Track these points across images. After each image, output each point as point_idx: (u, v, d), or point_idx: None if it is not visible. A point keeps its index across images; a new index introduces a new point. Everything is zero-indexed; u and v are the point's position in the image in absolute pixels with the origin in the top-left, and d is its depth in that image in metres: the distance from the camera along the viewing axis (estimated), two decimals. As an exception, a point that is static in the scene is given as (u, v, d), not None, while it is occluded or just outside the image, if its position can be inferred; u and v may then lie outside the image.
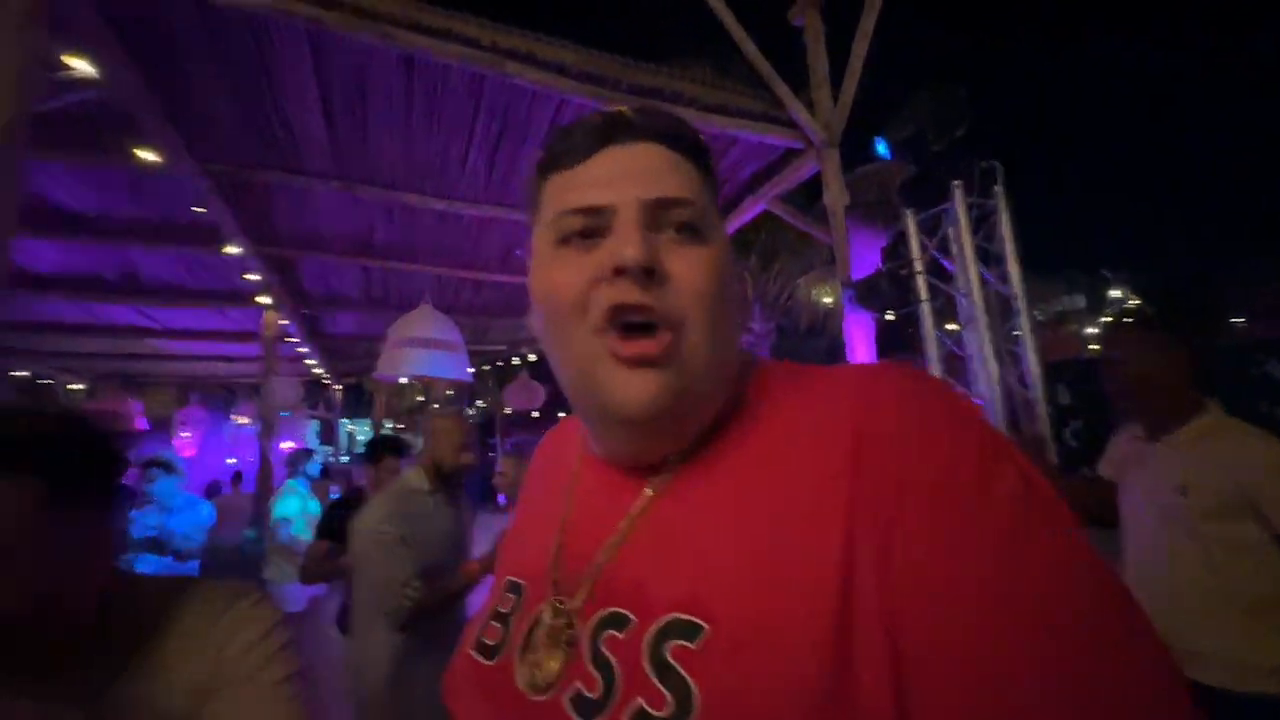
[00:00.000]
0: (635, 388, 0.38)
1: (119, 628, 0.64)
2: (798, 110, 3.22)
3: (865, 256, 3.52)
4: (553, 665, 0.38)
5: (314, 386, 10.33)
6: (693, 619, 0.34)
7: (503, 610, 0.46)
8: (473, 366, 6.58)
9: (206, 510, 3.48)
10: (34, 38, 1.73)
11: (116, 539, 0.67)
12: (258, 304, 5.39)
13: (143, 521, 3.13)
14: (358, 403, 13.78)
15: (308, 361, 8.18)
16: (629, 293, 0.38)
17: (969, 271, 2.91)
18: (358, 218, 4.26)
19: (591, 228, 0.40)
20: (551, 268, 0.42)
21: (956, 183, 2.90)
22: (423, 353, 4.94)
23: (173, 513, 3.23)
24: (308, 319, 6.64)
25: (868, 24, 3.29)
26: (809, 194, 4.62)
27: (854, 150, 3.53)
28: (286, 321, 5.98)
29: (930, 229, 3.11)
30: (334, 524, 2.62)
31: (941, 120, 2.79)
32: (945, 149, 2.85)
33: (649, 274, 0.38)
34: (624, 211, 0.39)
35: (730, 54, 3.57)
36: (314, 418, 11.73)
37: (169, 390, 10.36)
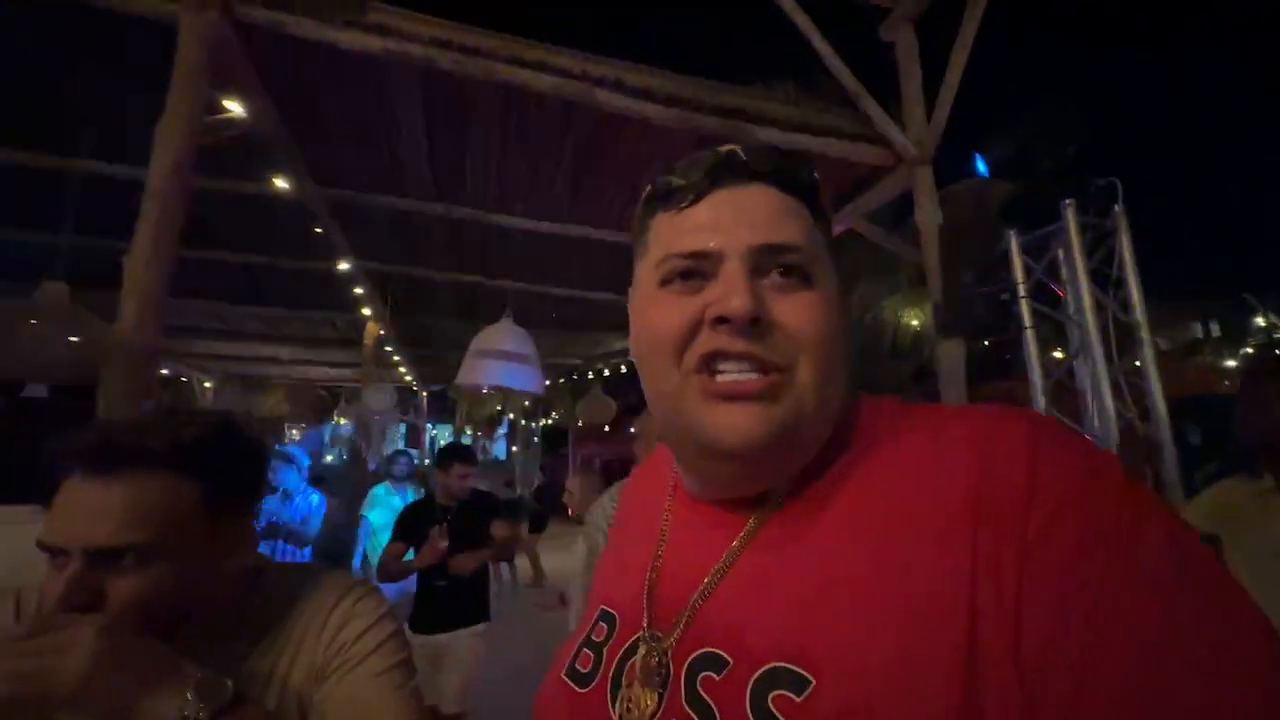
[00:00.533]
0: (731, 421, 0.38)
1: (253, 610, 0.71)
2: (888, 127, 3.12)
3: (955, 278, 3.32)
4: (647, 701, 0.38)
5: (403, 393, 11.01)
6: (797, 670, 0.33)
7: (596, 640, 0.46)
8: (548, 380, 6.79)
9: (318, 500, 3.76)
10: (201, 87, 2.01)
11: (255, 530, 0.75)
12: (361, 315, 5.86)
13: (264, 509, 3.45)
14: (442, 409, 14.55)
15: (400, 369, 8.77)
16: (732, 342, 0.38)
17: (1082, 296, 2.67)
18: (452, 236, 4.55)
19: (696, 270, 0.40)
20: (654, 306, 0.42)
21: (1068, 201, 2.68)
22: (500, 364, 5.16)
23: (291, 501, 3.54)
24: (402, 329, 7.13)
25: (967, 36, 3.14)
26: (897, 212, 4.44)
27: (941, 167, 3.37)
28: (383, 331, 6.46)
29: (1035, 250, 2.89)
30: (407, 525, 2.77)
31: (1053, 136, 2.60)
32: (1055, 166, 2.66)
33: (754, 323, 0.38)
34: (731, 258, 0.39)
35: (815, 72, 3.53)
36: (403, 421, 12.51)
37: (283, 391, 11.42)
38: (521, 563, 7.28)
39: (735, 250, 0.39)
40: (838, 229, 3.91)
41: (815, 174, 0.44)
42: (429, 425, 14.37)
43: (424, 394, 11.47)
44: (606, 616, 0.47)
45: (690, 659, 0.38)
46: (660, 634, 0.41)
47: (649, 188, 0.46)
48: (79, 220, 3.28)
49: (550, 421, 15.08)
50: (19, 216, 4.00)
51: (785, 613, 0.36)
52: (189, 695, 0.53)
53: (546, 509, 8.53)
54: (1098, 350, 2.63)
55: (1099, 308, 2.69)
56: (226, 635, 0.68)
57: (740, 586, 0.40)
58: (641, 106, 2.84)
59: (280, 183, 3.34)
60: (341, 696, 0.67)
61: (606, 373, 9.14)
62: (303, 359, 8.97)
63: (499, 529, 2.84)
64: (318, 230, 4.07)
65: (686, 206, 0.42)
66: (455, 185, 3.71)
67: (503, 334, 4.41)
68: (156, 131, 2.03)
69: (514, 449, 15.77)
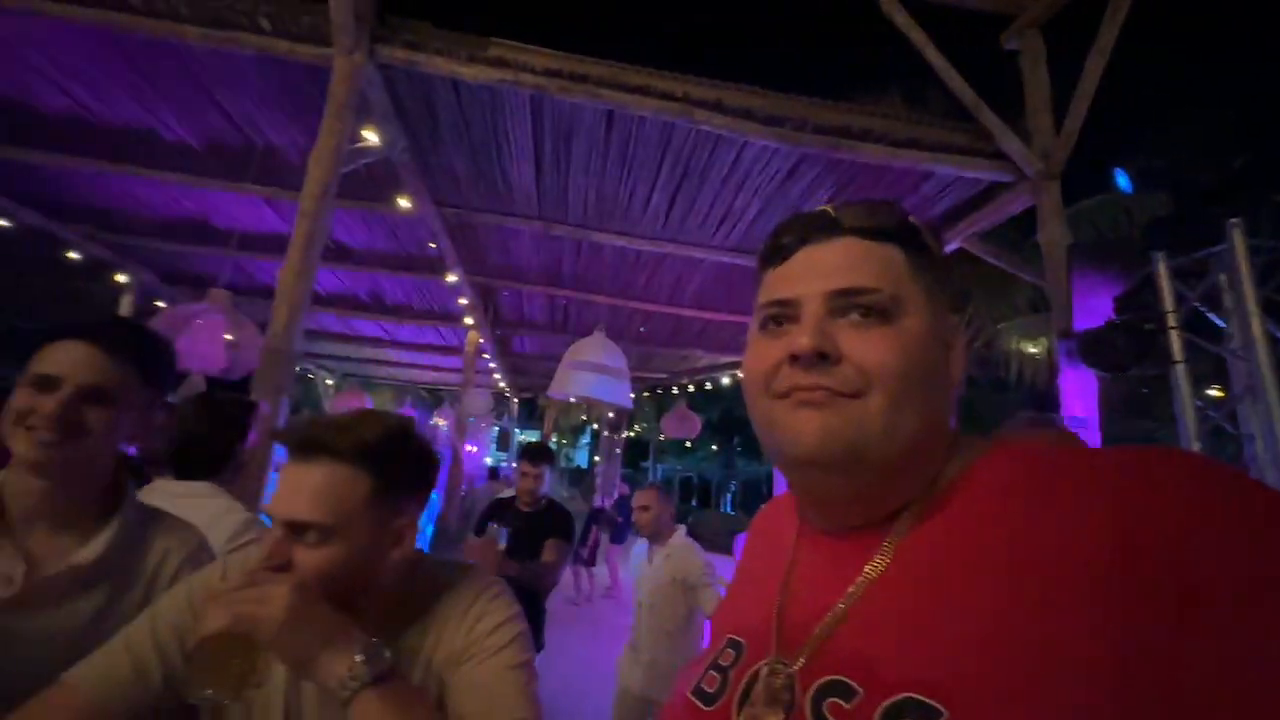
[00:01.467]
0: (798, 425, 0.43)
1: (409, 596, 0.79)
2: (1009, 140, 2.90)
3: (1088, 304, 3.00)
4: None
5: (497, 398, 11.60)
6: (929, 701, 0.34)
7: (723, 663, 0.48)
8: (634, 393, 6.90)
9: (433, 495, 4.05)
10: (347, 120, 2.27)
11: (418, 525, 0.82)
12: (464, 324, 6.27)
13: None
14: (530, 415, 15.18)
15: (495, 376, 9.26)
16: (804, 376, 0.43)
17: (1250, 328, 2.32)
18: (550, 252, 4.77)
19: (781, 316, 0.47)
20: (753, 348, 0.49)
21: (1234, 221, 2.35)
22: (591, 376, 5.31)
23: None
24: (500, 339, 7.54)
25: (1106, 40, 2.86)
26: (1016, 231, 4.10)
27: (1070, 183, 3.07)
28: (483, 340, 6.87)
29: (1188, 275, 2.55)
30: (482, 520, 2.84)
31: (1213, 147, 2.29)
32: (1217, 181, 2.33)
33: (822, 357, 0.43)
34: (807, 304, 0.45)
35: (926, 85, 3.37)
36: (495, 425, 13.17)
37: (391, 391, 12.43)
38: (601, 571, 7.38)
39: (811, 296, 0.45)
40: (949, 248, 3.68)
41: (908, 218, 0.48)
42: (518, 430, 15.00)
43: (515, 400, 12.02)
44: (734, 644, 0.49)
45: (816, 685, 0.39)
46: (786, 660, 0.43)
47: (761, 249, 0.53)
48: (242, 238, 3.77)
49: (633, 434, 15.26)
50: (196, 234, 4.69)
51: (915, 644, 0.37)
52: (357, 657, 0.61)
53: (627, 521, 8.62)
54: (1273, 391, 2.26)
55: (1271, 341, 2.32)
56: (388, 616, 0.76)
57: (868, 617, 0.41)
58: (740, 126, 2.84)
59: (404, 203, 3.67)
60: (475, 682, 0.73)
61: (691, 388, 9.13)
62: (413, 362, 9.73)
63: (549, 550, 2.60)
64: (432, 245, 4.42)
65: (781, 263, 0.49)
66: (557, 204, 3.90)
67: (595, 347, 4.54)
68: (309, 159, 2.32)
69: (597, 459, 16.09)
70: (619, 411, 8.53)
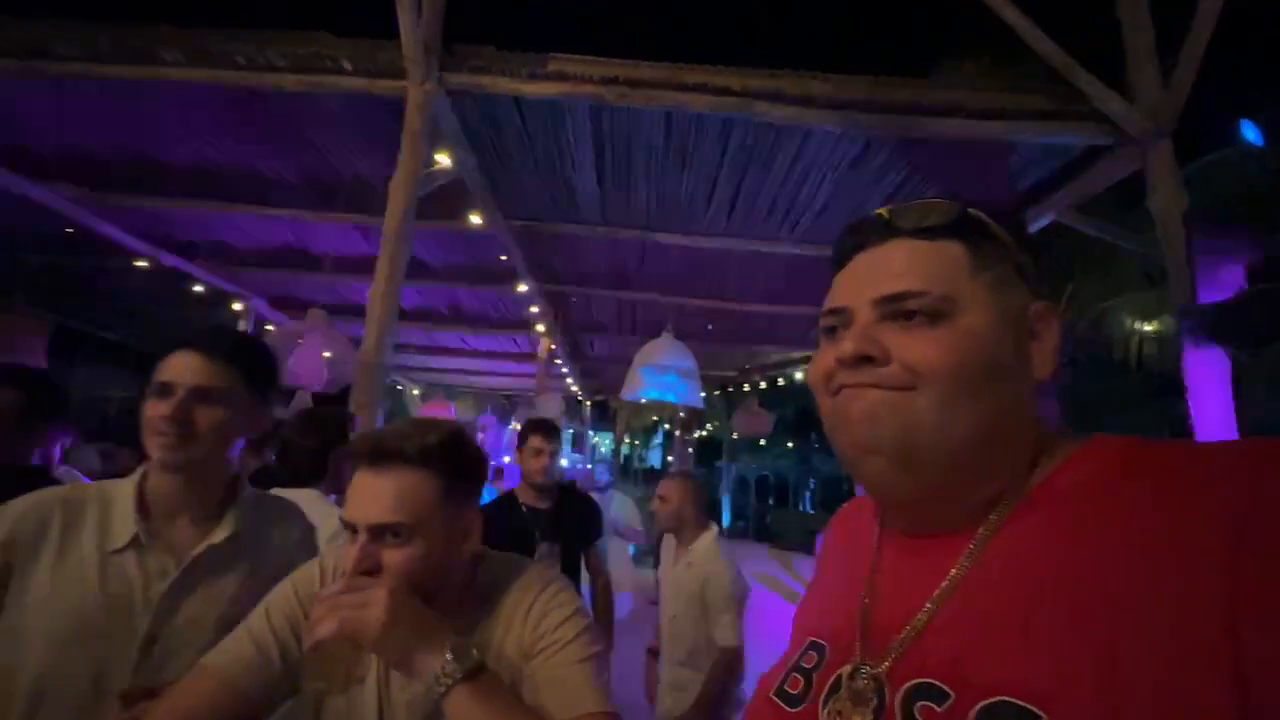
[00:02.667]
0: (850, 409, 0.44)
1: (476, 590, 0.84)
2: (1108, 100, 2.64)
3: (1215, 274, 2.67)
4: None
5: (570, 402, 11.90)
6: (1026, 705, 0.33)
7: (805, 666, 0.49)
8: (704, 391, 6.86)
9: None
10: (422, 147, 2.43)
11: (480, 520, 0.88)
12: (536, 331, 6.49)
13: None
14: (602, 417, 15.44)
15: (568, 381, 9.51)
16: (851, 376, 0.45)
17: None
18: (616, 256, 4.85)
19: (836, 324, 0.49)
20: (817, 354, 0.50)
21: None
22: (661, 378, 5.35)
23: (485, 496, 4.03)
24: (571, 343, 7.74)
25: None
26: (1121, 198, 3.72)
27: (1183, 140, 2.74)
28: (555, 346, 7.07)
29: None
30: (496, 530, 2.75)
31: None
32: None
33: (869, 360, 0.44)
34: (857, 312, 0.46)
35: (1011, 50, 3.13)
36: (569, 429, 13.51)
37: (472, 398, 13.07)
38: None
39: (859, 304, 0.46)
40: (1037, 224, 3.39)
41: (968, 211, 0.47)
42: (590, 432, 15.30)
43: (587, 404, 12.28)
44: (816, 646, 0.50)
45: (905, 688, 0.39)
46: (872, 663, 0.43)
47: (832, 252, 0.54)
48: (335, 262, 4.10)
49: (705, 433, 15.18)
50: (297, 262, 5.15)
51: (1008, 647, 0.36)
52: (448, 655, 0.66)
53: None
54: None
55: None
56: (458, 611, 0.81)
57: (957, 619, 0.40)
58: (802, 114, 2.77)
59: (475, 219, 3.85)
60: (547, 676, 0.77)
61: (763, 385, 8.95)
62: (489, 370, 10.18)
63: (594, 562, 2.23)
64: (503, 258, 4.61)
65: (838, 271, 0.51)
66: (621, 209, 3.95)
67: (664, 348, 4.57)
68: (390, 186, 2.49)
69: (669, 459, 16.11)
70: (690, 411, 8.53)
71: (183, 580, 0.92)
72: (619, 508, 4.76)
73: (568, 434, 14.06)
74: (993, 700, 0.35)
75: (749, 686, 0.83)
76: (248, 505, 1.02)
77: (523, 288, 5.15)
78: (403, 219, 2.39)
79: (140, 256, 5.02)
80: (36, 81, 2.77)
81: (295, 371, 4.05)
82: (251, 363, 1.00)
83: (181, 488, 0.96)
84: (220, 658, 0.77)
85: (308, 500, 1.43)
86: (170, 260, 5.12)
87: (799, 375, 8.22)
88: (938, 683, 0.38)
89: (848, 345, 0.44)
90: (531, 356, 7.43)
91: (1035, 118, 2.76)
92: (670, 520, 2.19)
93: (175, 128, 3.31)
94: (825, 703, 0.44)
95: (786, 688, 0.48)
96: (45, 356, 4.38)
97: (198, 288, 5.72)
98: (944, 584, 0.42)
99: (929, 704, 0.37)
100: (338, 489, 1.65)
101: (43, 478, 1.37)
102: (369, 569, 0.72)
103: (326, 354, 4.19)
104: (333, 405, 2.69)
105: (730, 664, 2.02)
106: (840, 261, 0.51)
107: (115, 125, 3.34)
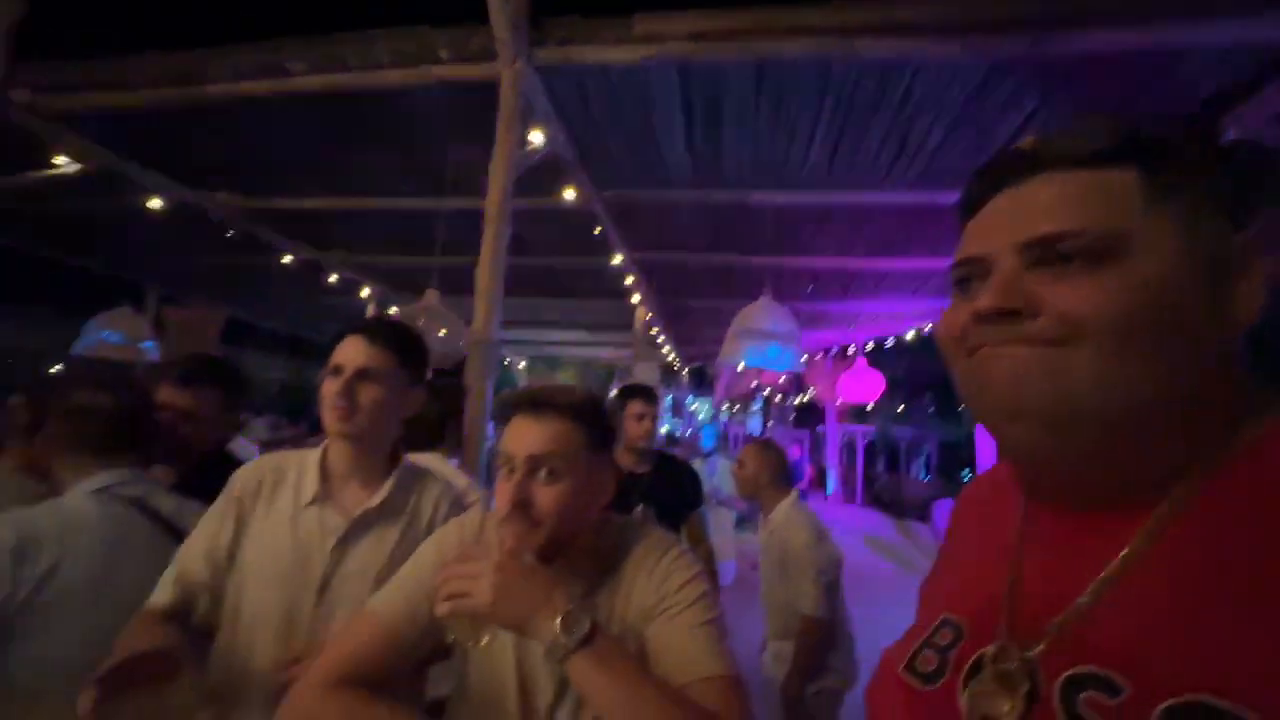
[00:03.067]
0: (991, 371, 0.40)
1: (599, 552, 0.88)
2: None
3: None
4: (1007, 707, 0.37)
5: (667, 370, 12.00)
6: (1230, 708, 0.29)
7: (940, 643, 0.46)
8: (804, 355, 6.62)
9: None
10: (517, 126, 2.49)
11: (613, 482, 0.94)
12: (632, 300, 6.57)
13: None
14: (700, 384, 15.44)
15: (664, 348, 9.58)
16: (992, 332, 0.40)
17: None
18: (709, 220, 4.74)
19: (970, 276, 0.43)
20: (947, 310, 0.46)
21: None
22: (760, 344, 5.21)
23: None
24: (666, 311, 7.75)
25: None
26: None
27: None
28: (650, 314, 7.12)
29: None
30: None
31: None
32: None
33: (1013, 314, 0.39)
34: (997, 260, 0.41)
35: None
36: (667, 396, 13.68)
37: (573, 369, 13.61)
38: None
39: (1000, 250, 0.41)
40: (1229, 138, 2.84)
41: (1140, 129, 0.39)
42: (689, 399, 15.38)
43: (685, 371, 12.33)
44: (950, 624, 0.47)
45: (1065, 676, 0.36)
46: (1021, 646, 0.40)
47: (960, 198, 0.48)
48: (445, 245, 4.39)
49: (806, 398, 14.69)
50: (411, 245, 5.58)
51: (1204, 639, 0.32)
52: (558, 623, 0.69)
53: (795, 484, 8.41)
54: None
55: None
56: (583, 572, 0.86)
57: (1131, 604, 0.36)
58: (909, 46, 2.49)
59: (569, 194, 3.93)
60: (670, 638, 0.79)
61: (870, 345, 8.46)
62: (589, 341, 10.51)
63: (694, 530, 2.17)
64: (597, 230, 4.67)
65: (971, 216, 0.46)
66: (712, 171, 3.84)
67: (762, 312, 4.45)
68: (490, 168, 2.60)
69: (769, 424, 15.85)
70: (790, 375, 8.30)
71: (348, 536, 1.06)
72: (721, 475, 4.78)
73: (666, 401, 14.26)
74: (1183, 699, 0.31)
75: (868, 658, 0.81)
76: (405, 475, 1.16)
77: (617, 258, 5.21)
78: (502, 200, 2.48)
79: (284, 252, 5.70)
80: (193, 106, 3.17)
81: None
82: (405, 347, 1.14)
83: (352, 456, 1.11)
84: (380, 604, 0.87)
85: (434, 463, 1.58)
86: (305, 255, 5.76)
87: (911, 334, 7.67)
88: (1108, 673, 0.34)
89: (986, 299, 0.40)
90: (628, 326, 7.55)
91: (1214, 12, 2.28)
92: (749, 486, 2.20)
93: (299, 131, 3.66)
94: (965, 684, 0.41)
95: (918, 665, 0.46)
96: (219, 345, 5.14)
97: (332, 278, 6.39)
98: (1113, 564, 0.38)
99: (1098, 695, 0.34)
100: (457, 453, 1.82)
101: (232, 459, 1.63)
102: (522, 501, 0.79)
103: (442, 332, 4.52)
104: (449, 377, 2.93)
105: (814, 635, 1.98)
106: (971, 206, 0.46)
107: (253, 135, 3.76)
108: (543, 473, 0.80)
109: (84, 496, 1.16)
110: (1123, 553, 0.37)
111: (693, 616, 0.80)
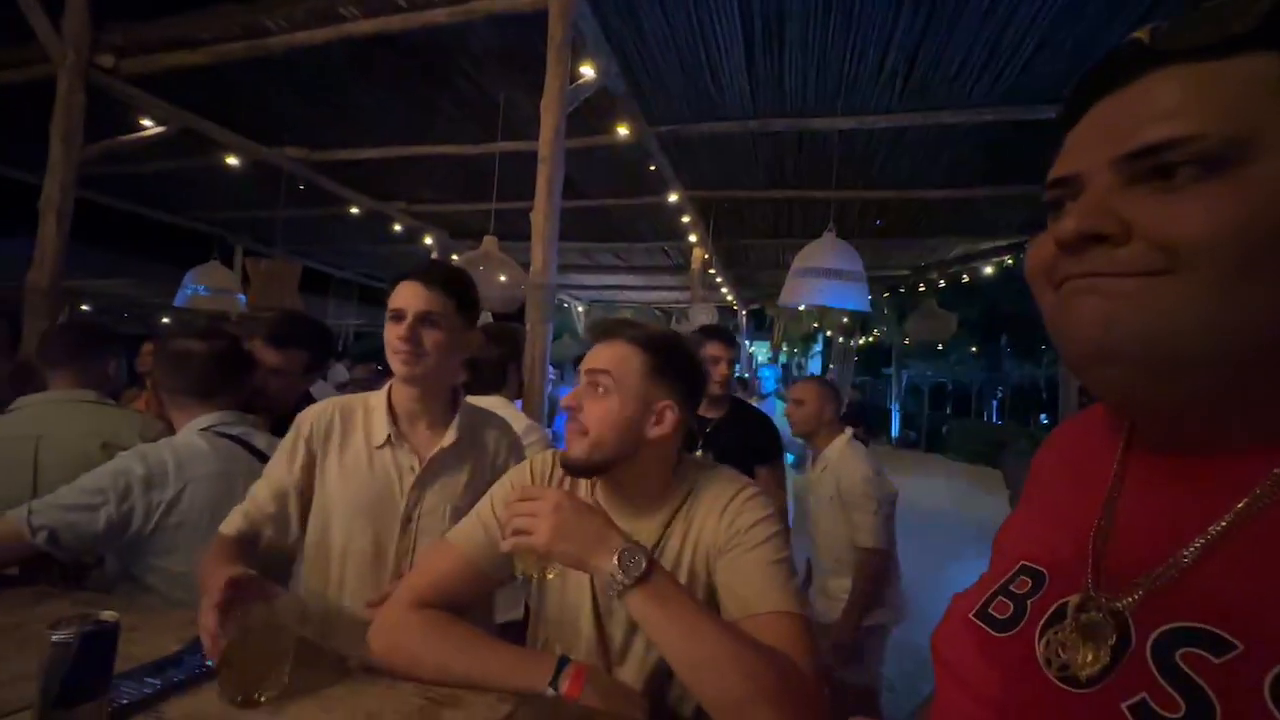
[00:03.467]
0: (1077, 313, 0.36)
1: (676, 487, 0.90)
2: None
3: None
4: (1090, 658, 0.35)
5: (724, 312, 11.82)
6: None
7: (1016, 591, 0.44)
8: (871, 294, 6.34)
9: None
10: (567, 60, 2.39)
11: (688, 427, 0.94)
12: (689, 241, 6.41)
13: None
14: (758, 327, 15.15)
15: (722, 290, 9.39)
16: (1076, 264, 0.36)
17: None
18: (769, 152, 4.48)
19: (1062, 198, 0.39)
20: (1038, 238, 0.40)
21: None
22: (823, 283, 4.99)
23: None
24: (724, 251, 7.54)
25: None
26: None
27: None
28: (708, 255, 6.94)
29: None
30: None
31: None
32: None
33: (1100, 240, 0.34)
34: (1090, 178, 0.36)
35: None
36: (726, 338, 13.53)
37: (630, 312, 13.62)
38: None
39: (1094, 166, 0.36)
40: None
41: None
42: (747, 342, 15.16)
43: (743, 313, 12.09)
44: (1030, 571, 0.44)
45: (1162, 630, 0.34)
46: (1110, 596, 0.37)
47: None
48: (500, 190, 4.39)
49: (871, 339, 14.14)
50: (468, 192, 5.62)
51: None
52: (614, 561, 0.71)
53: (861, 426, 8.23)
54: None
55: None
56: (656, 507, 0.89)
57: (1247, 558, 0.33)
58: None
59: (622, 130, 3.79)
60: (740, 571, 0.81)
61: (941, 283, 7.94)
62: (645, 284, 10.44)
63: (770, 482, 2.02)
64: (652, 168, 4.52)
65: (1069, 129, 0.40)
66: (772, 96, 3.59)
67: (826, 250, 4.23)
68: (540, 108, 2.53)
69: (831, 366, 15.44)
70: (853, 316, 7.96)
71: (424, 476, 1.13)
72: (780, 417, 4.73)
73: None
74: None
75: (926, 598, 0.79)
76: (467, 414, 1.20)
77: (673, 197, 5.06)
78: (554, 140, 2.43)
79: (350, 204, 5.89)
80: (256, 60, 3.23)
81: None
82: (460, 290, 1.15)
83: (417, 398, 1.15)
84: (458, 536, 0.93)
85: (497, 405, 1.63)
86: (370, 206, 5.93)
87: (989, 270, 7.13)
88: (1213, 629, 0.32)
89: (1069, 222, 0.35)
90: (685, 268, 7.41)
91: None
92: (808, 423, 2.16)
93: (359, 78, 3.68)
94: (1043, 633, 0.39)
95: (991, 610, 0.44)
96: (298, 295, 5.46)
97: (396, 227, 6.58)
98: (1227, 517, 0.34)
99: (1200, 653, 0.31)
100: (517, 394, 1.87)
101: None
102: (574, 404, 0.86)
103: (501, 277, 4.60)
104: (509, 322, 2.99)
105: (874, 567, 1.99)
106: (1073, 115, 0.39)
107: (314, 87, 3.81)
108: (599, 388, 0.85)
109: (195, 434, 1.30)
110: (1238, 504, 0.34)
111: (764, 554, 0.80)
